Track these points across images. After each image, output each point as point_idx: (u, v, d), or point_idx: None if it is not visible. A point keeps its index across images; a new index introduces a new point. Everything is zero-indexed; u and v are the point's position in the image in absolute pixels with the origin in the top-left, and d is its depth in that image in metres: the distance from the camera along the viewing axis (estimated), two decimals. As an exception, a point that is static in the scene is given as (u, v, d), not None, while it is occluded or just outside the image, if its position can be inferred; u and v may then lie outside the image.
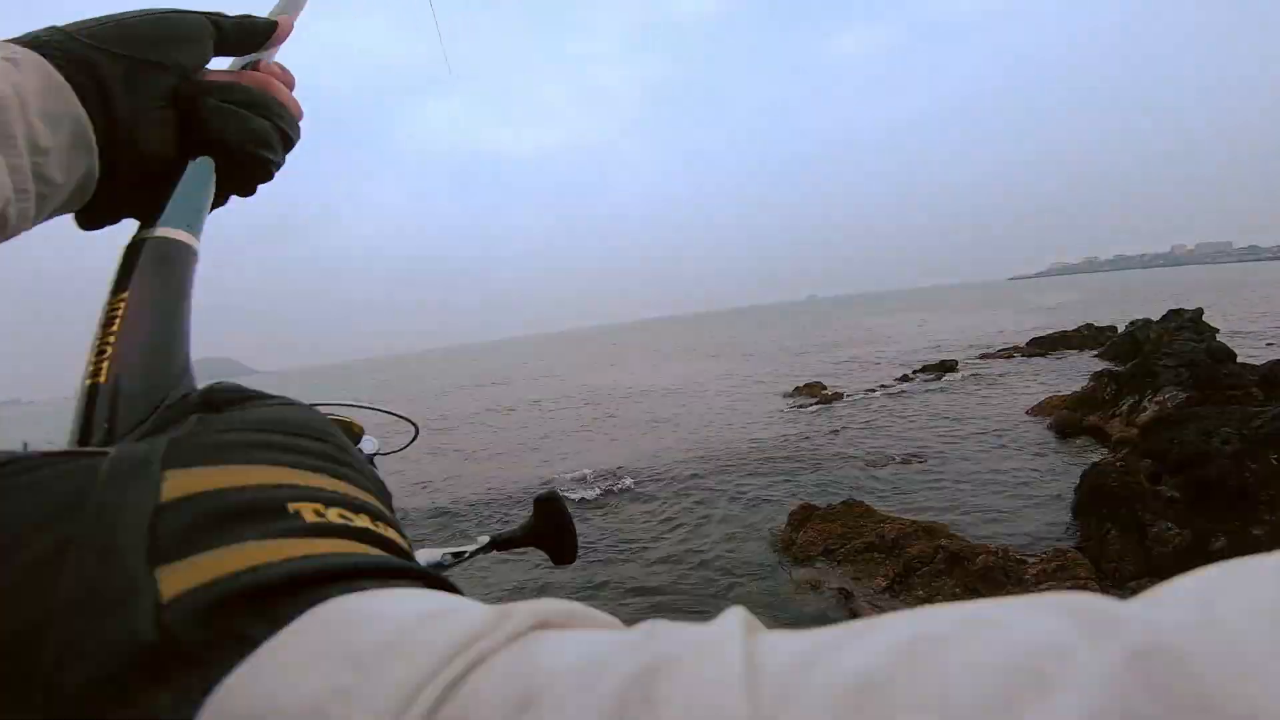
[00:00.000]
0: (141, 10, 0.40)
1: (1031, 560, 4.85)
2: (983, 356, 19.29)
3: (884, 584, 5.05)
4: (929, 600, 4.71)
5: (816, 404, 14.28)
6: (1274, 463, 4.82)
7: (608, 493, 9.01)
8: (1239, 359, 9.83)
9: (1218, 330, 15.50)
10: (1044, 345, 19.41)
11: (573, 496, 8.99)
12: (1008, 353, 19.28)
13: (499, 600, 0.19)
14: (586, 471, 10.26)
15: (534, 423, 17.22)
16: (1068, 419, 9.37)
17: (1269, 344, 15.79)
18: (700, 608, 5.23)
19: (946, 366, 16.94)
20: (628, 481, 9.51)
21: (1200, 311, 16.31)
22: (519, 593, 5.83)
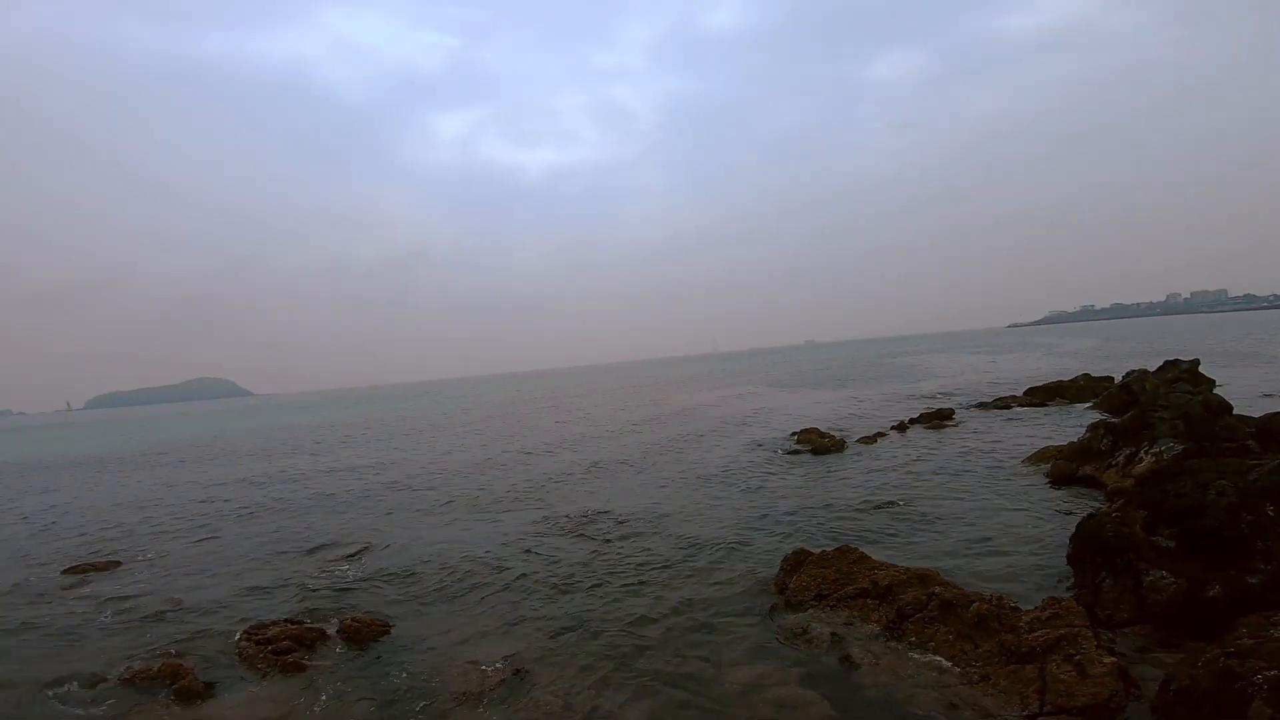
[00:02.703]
0: None
1: (1026, 608, 4.74)
2: (979, 405, 19.27)
3: (877, 630, 4.94)
4: (922, 647, 4.60)
5: (811, 451, 14.20)
6: (1270, 514, 4.77)
7: (600, 530, 8.88)
8: (1235, 410, 9.82)
9: (1215, 382, 15.52)
10: (1040, 395, 19.39)
11: (587, 531, 8.86)
12: (1005, 402, 19.25)
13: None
14: (571, 510, 10.15)
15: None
16: (1063, 468, 9.31)
17: (1265, 395, 15.78)
18: (687, 653, 5.09)
19: (943, 415, 16.89)
20: (616, 520, 9.43)
21: (1196, 363, 16.36)
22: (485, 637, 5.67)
